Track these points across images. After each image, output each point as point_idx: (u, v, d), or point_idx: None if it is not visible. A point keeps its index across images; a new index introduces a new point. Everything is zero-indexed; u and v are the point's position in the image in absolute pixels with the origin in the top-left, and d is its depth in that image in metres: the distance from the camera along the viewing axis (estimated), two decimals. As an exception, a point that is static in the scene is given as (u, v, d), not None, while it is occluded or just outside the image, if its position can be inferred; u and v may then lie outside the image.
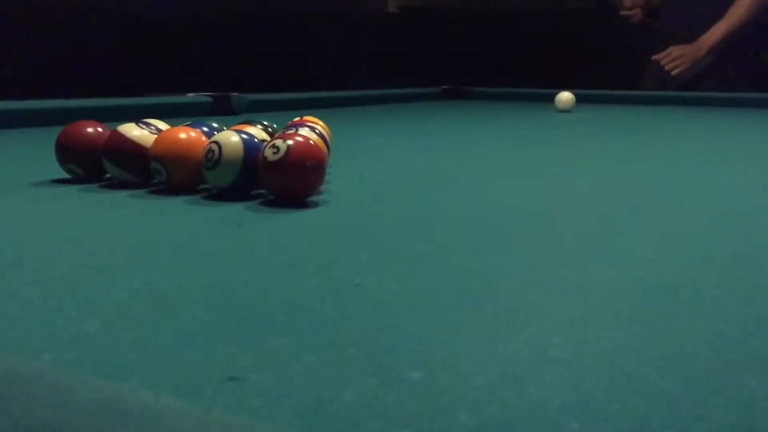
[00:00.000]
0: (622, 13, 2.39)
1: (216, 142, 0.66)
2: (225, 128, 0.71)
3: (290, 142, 0.63)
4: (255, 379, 0.29)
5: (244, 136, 0.67)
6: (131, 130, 0.71)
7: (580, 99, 2.20)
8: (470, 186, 0.83)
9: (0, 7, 3.01)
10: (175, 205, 0.65)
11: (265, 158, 0.63)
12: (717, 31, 2.07)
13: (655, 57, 2.02)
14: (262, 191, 0.68)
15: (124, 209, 0.64)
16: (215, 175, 0.66)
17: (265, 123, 0.80)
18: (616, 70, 2.30)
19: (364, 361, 0.31)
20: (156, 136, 0.70)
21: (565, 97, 2.08)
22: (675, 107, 2.29)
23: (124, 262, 0.47)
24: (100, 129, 0.74)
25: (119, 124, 0.72)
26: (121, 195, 0.69)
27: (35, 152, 1.03)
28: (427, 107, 2.29)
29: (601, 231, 0.60)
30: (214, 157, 0.65)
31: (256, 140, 0.67)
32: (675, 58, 2.05)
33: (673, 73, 2.05)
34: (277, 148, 0.63)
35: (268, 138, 0.71)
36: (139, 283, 0.42)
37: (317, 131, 0.76)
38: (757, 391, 0.29)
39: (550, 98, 2.33)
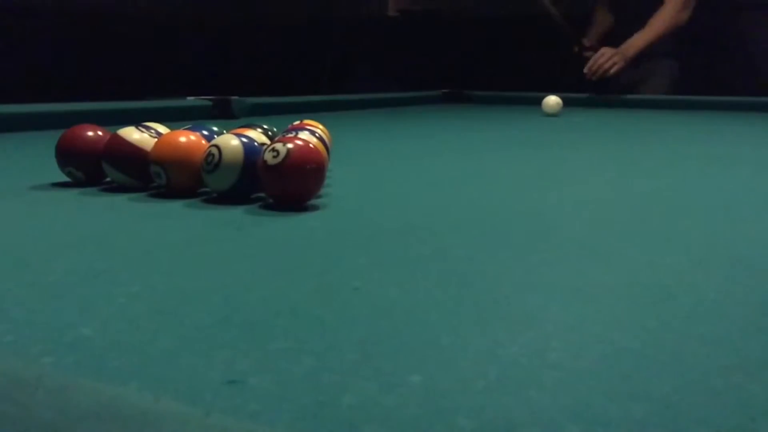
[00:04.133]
0: (585, 54, 2.60)
1: (216, 146, 0.66)
2: (225, 132, 0.72)
3: (290, 145, 0.63)
4: (254, 382, 0.29)
5: (244, 139, 0.67)
6: (131, 134, 0.71)
7: (578, 103, 2.21)
8: (470, 189, 0.84)
9: (2, 9, 3.02)
10: (175, 208, 0.65)
11: (264, 162, 0.63)
12: (641, 39, 2.35)
13: (588, 67, 2.30)
14: (262, 195, 0.69)
15: (123, 213, 0.64)
16: (215, 178, 0.66)
17: (265, 126, 0.80)
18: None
19: (364, 364, 0.31)
20: (156, 139, 0.70)
21: (552, 100, 2.07)
22: (673, 111, 2.30)
23: (123, 266, 0.47)
24: (100, 132, 0.74)
25: (119, 128, 0.73)
26: (121, 198, 0.69)
27: (35, 156, 1.03)
28: (427, 111, 2.29)
29: (599, 235, 0.60)
30: (213, 161, 0.65)
31: (255, 144, 0.67)
32: (610, 57, 2.30)
33: (612, 70, 2.29)
34: (277, 151, 0.63)
35: (267, 141, 0.71)
36: (139, 286, 0.42)
37: (317, 135, 0.76)
38: (756, 395, 0.29)
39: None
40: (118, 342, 0.33)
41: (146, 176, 0.70)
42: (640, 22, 2.41)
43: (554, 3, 2.53)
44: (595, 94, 2.43)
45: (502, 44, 3.47)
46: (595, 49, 2.59)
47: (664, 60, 2.48)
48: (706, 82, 2.68)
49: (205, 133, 0.73)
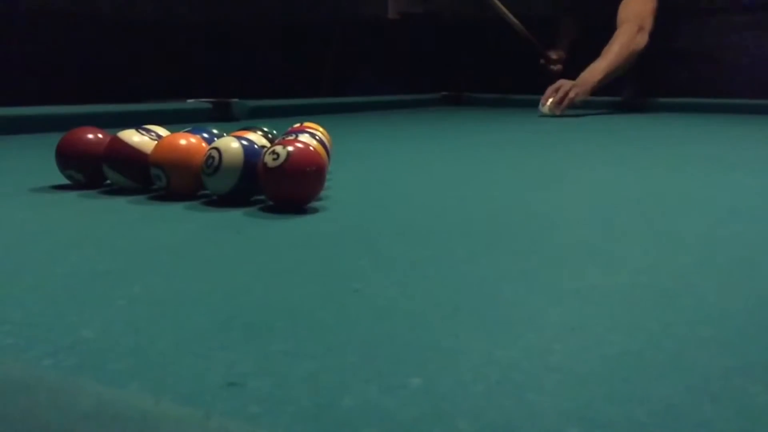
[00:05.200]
0: (551, 67, 2.56)
1: (216, 148, 0.66)
2: (225, 134, 0.72)
3: (290, 148, 0.63)
4: (254, 384, 0.29)
5: (244, 142, 0.67)
6: (131, 137, 0.71)
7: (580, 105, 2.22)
8: (469, 191, 0.84)
9: (1, 13, 3.02)
10: (175, 211, 0.65)
11: (264, 164, 0.63)
12: (598, 69, 2.23)
13: (556, 103, 2.16)
14: (262, 197, 0.69)
15: (124, 215, 0.64)
16: (215, 181, 0.66)
17: (265, 129, 0.80)
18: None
19: (364, 367, 0.31)
20: (156, 142, 0.71)
21: (550, 102, 2.13)
22: (673, 113, 2.30)
23: (124, 268, 0.47)
24: (100, 135, 0.74)
25: (119, 131, 0.73)
26: (121, 201, 0.69)
27: (35, 158, 1.03)
28: (426, 113, 2.29)
29: (600, 237, 0.60)
30: (214, 163, 0.65)
31: (256, 146, 0.67)
32: (570, 88, 2.17)
33: (578, 99, 2.17)
34: (277, 154, 0.63)
35: (267, 144, 0.71)
36: (139, 288, 0.42)
37: (317, 137, 0.77)
38: (756, 398, 0.29)
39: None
40: (118, 344, 0.33)
41: (146, 179, 0.70)
42: (607, 32, 2.36)
43: (517, 16, 2.52)
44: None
45: (502, 47, 3.47)
46: (562, 62, 2.59)
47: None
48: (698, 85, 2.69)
49: (205, 135, 0.73)
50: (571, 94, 2.14)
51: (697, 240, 0.60)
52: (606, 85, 2.27)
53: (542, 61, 2.62)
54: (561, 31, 2.72)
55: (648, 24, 2.31)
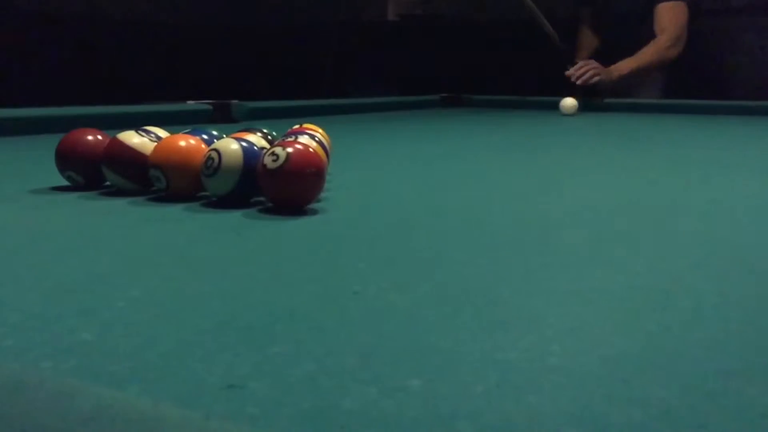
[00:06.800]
0: (567, 72, 2.61)
1: (215, 150, 0.66)
2: (225, 136, 0.72)
3: (289, 149, 0.63)
4: (254, 386, 0.29)
5: (244, 143, 0.67)
6: (131, 138, 0.71)
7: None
8: (469, 193, 0.84)
9: (0, 14, 3.02)
10: (175, 212, 0.65)
11: (264, 166, 0.63)
12: (626, 65, 2.43)
13: (570, 72, 2.38)
14: (262, 199, 0.69)
15: (123, 217, 0.64)
16: (215, 182, 0.66)
17: (265, 131, 0.80)
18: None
19: (363, 369, 0.31)
20: (156, 143, 0.71)
21: (569, 102, 2.22)
22: (673, 115, 2.30)
23: (123, 270, 0.47)
24: (99, 137, 0.74)
25: (119, 132, 0.73)
26: (121, 202, 0.69)
27: (35, 160, 1.03)
28: (426, 115, 2.29)
29: (599, 239, 0.60)
30: (213, 165, 0.65)
31: (255, 148, 0.67)
32: (595, 68, 2.38)
33: (592, 81, 2.36)
34: (277, 155, 0.63)
35: (267, 146, 0.71)
36: (138, 290, 0.42)
37: (317, 139, 0.77)
38: (756, 400, 0.29)
39: (549, 105, 2.36)
40: (117, 346, 0.33)
41: (146, 180, 0.70)
42: (623, 43, 2.46)
43: (552, 25, 2.58)
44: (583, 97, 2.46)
45: (502, 49, 3.47)
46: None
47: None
48: (697, 86, 2.70)
49: (204, 137, 0.73)
50: (593, 72, 2.34)
51: (695, 242, 0.60)
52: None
53: (569, 69, 2.66)
54: (579, 43, 2.77)
55: (684, 36, 2.45)
